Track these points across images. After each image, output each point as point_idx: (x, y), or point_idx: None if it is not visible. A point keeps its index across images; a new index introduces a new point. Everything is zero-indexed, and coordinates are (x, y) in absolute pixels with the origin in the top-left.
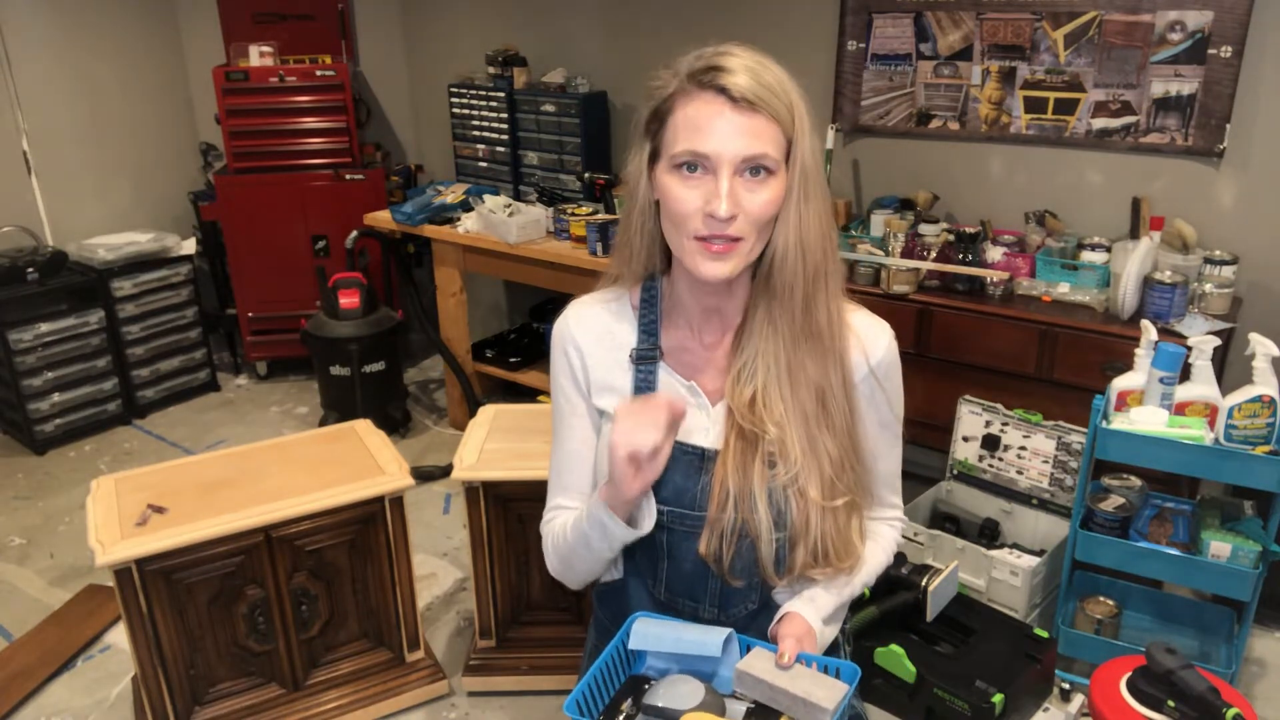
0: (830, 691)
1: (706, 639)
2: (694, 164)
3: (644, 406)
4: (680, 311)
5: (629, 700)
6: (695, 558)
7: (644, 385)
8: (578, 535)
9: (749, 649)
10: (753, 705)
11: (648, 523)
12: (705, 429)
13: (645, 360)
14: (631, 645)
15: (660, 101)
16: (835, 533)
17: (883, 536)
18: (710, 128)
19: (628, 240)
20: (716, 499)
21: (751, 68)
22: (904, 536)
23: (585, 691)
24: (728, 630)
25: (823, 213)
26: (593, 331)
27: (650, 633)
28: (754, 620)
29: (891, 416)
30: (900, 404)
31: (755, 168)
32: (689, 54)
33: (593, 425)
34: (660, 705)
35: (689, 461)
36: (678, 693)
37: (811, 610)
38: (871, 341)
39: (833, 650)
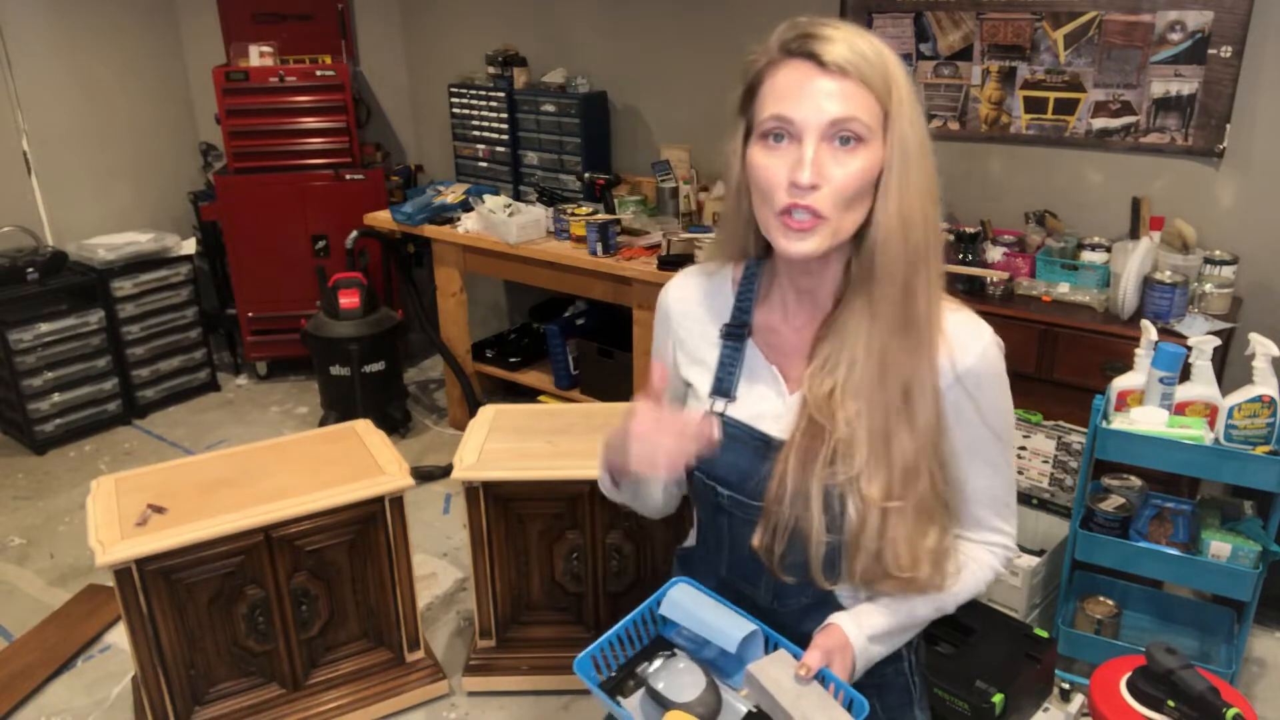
0: None
1: (729, 631)
2: (780, 133)
3: (682, 426)
4: (778, 291)
5: (644, 665)
6: (751, 547)
7: (729, 361)
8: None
9: (776, 647)
10: (754, 710)
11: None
12: (778, 416)
13: (733, 337)
14: (661, 611)
15: (751, 76)
16: (901, 539)
17: (974, 559)
18: (799, 93)
19: (725, 222)
20: (774, 491)
21: (846, 36)
22: None
23: (606, 646)
24: (753, 626)
25: (925, 193)
26: (688, 302)
27: (682, 604)
28: (809, 614)
29: (987, 435)
30: (1002, 421)
31: (845, 136)
32: (782, 26)
33: (674, 396)
34: (658, 689)
35: (755, 448)
36: (679, 681)
37: (853, 625)
38: (961, 346)
39: (886, 681)
